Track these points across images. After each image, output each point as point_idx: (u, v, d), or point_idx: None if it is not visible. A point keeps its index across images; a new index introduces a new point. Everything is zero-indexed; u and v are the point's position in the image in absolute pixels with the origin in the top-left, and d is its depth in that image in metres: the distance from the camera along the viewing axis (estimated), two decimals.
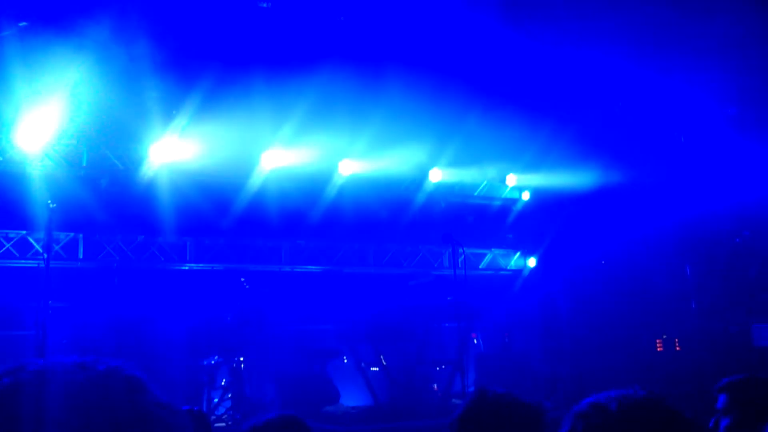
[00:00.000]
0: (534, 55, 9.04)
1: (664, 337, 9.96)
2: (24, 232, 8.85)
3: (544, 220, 11.49)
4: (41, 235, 8.56)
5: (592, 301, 10.35)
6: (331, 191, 10.35)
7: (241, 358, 8.18)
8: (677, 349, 9.83)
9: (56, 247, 8.96)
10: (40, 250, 8.76)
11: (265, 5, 8.20)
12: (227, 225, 9.63)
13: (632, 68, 9.24)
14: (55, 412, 0.80)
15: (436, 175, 11.11)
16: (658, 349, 9.96)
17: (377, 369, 9.08)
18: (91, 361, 0.89)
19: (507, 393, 2.32)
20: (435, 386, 9.35)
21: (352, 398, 8.96)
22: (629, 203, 10.19)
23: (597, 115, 10.02)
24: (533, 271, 11.76)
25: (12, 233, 8.89)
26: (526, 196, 11.94)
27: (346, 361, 9.36)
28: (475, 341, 10.43)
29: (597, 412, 1.32)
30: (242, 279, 8.86)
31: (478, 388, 2.37)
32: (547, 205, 11.40)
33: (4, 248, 8.87)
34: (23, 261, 8.84)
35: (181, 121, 8.82)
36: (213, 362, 8.12)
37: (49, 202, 6.77)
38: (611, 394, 1.36)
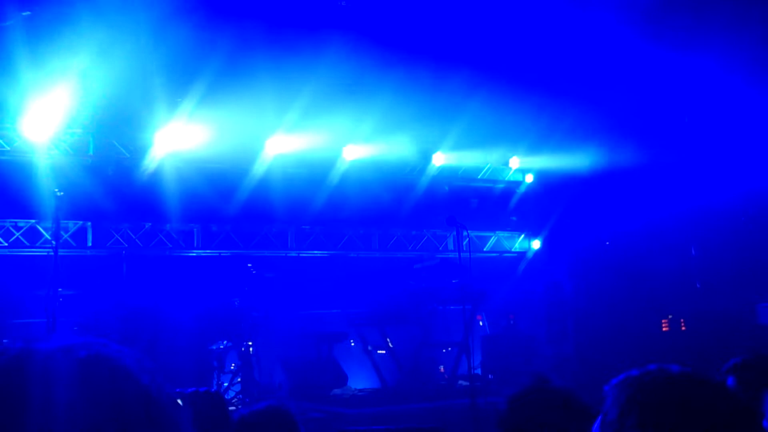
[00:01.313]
0: (535, 35, 9.00)
1: (670, 317, 9.99)
2: (33, 221, 8.94)
3: (548, 202, 11.51)
4: (50, 223, 8.65)
5: (596, 282, 10.40)
6: (336, 176, 10.40)
7: (250, 343, 8.28)
8: (683, 328, 9.87)
9: (65, 236, 9.05)
10: (50, 239, 8.86)
11: None
12: (233, 211, 9.70)
13: (634, 47, 9.19)
14: (32, 399, 0.78)
15: (440, 159, 11.13)
16: (664, 329, 10.01)
17: (384, 352, 9.17)
18: (76, 345, 0.85)
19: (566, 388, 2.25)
20: (441, 368, 9.45)
21: (359, 381, 9.07)
22: (633, 184, 10.19)
23: (600, 96, 9.98)
24: (537, 252, 11.80)
25: (21, 222, 8.98)
26: (529, 178, 11.96)
27: (353, 344, 9.45)
28: (481, 323, 10.52)
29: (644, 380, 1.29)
30: (249, 264, 8.94)
31: (537, 377, 2.30)
32: (550, 187, 11.41)
33: (14, 237, 8.97)
34: (33, 249, 8.94)
35: (185, 108, 8.86)
36: (222, 347, 8.23)
37: (57, 190, 6.84)
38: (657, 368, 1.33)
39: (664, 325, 10.09)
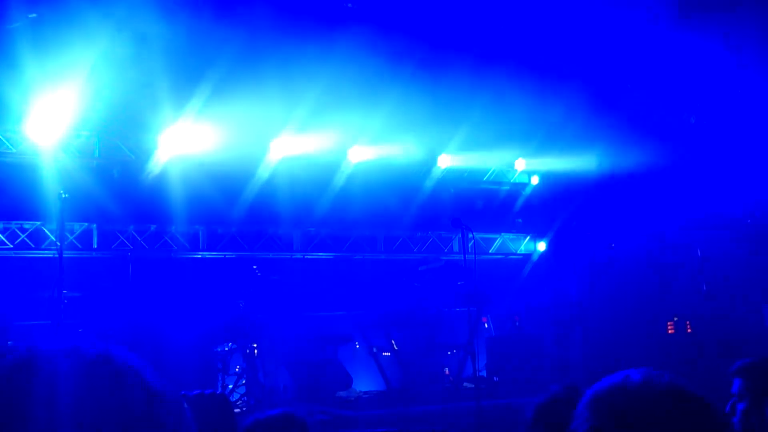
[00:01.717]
0: (541, 37, 8.98)
1: (675, 319, 9.95)
2: (39, 223, 8.96)
3: (554, 204, 11.49)
4: (55, 225, 8.69)
5: (602, 284, 10.36)
6: (341, 178, 10.39)
7: (255, 345, 8.28)
8: (688, 331, 9.82)
9: (70, 238, 9.07)
10: (55, 241, 8.89)
11: None
12: (239, 213, 9.70)
13: (642, 47, 9.16)
14: (37, 399, 0.78)
15: (445, 161, 11.12)
16: (669, 332, 9.96)
17: (389, 354, 9.16)
18: (82, 347, 0.85)
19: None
20: (446, 370, 9.43)
21: (364, 383, 9.06)
22: (639, 186, 10.16)
23: (606, 98, 9.95)
24: (543, 255, 11.77)
25: (27, 224, 9.00)
26: (535, 180, 11.93)
27: (358, 346, 9.44)
28: (486, 325, 10.49)
29: (620, 394, 1.25)
30: (254, 267, 8.95)
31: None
32: (556, 189, 11.38)
33: (20, 239, 8.99)
34: (38, 252, 8.96)
35: (191, 110, 8.87)
36: (227, 349, 8.23)
37: (61, 192, 6.86)
38: (631, 374, 1.30)
39: (669, 327, 10.04)
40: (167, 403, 0.85)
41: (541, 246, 11.84)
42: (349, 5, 8.63)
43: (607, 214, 10.43)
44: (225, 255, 10.01)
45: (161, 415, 0.84)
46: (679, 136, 10.06)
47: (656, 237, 10.32)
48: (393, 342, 9.11)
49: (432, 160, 11.09)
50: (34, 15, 7.31)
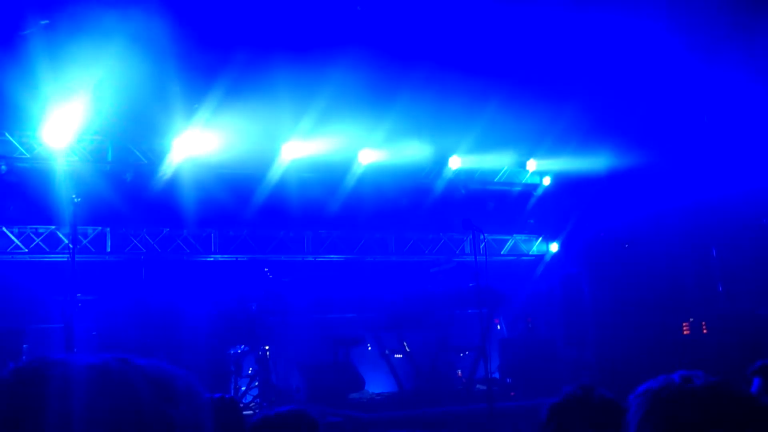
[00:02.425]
0: (551, 39, 8.94)
1: (691, 320, 9.85)
2: (53, 227, 9.04)
3: (566, 205, 11.42)
4: (69, 229, 8.76)
5: (616, 286, 10.28)
6: (352, 180, 10.40)
7: (267, 347, 8.29)
8: (704, 332, 9.72)
9: (84, 241, 9.15)
10: (69, 245, 8.96)
11: None
12: (250, 216, 9.74)
13: (651, 49, 9.10)
14: (55, 412, 0.79)
15: (456, 162, 11.10)
16: (685, 333, 9.86)
17: (401, 356, 9.14)
18: (101, 360, 0.86)
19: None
20: (459, 372, 9.40)
21: (377, 385, 9.04)
22: (652, 186, 10.07)
23: (617, 98, 9.89)
24: (555, 255, 11.71)
25: (41, 228, 9.09)
26: (547, 181, 11.87)
27: (370, 348, 9.44)
28: (498, 327, 10.45)
29: (684, 400, 1.24)
30: (266, 269, 8.97)
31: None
32: (568, 189, 11.32)
33: (34, 243, 9.08)
34: (53, 255, 9.04)
35: (202, 114, 8.93)
36: (239, 351, 8.25)
37: (74, 196, 6.92)
38: (692, 378, 1.28)
39: (685, 328, 9.94)
40: (187, 412, 0.86)
41: (554, 247, 11.78)
42: (359, 7, 8.64)
43: (621, 215, 10.35)
44: (237, 257, 10.05)
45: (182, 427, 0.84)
46: (692, 136, 9.97)
47: (671, 237, 10.23)
48: (405, 344, 9.09)
49: (443, 162, 11.07)
50: (46, 22, 7.38)
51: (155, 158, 9.48)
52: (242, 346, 8.29)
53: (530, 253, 11.94)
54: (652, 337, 9.57)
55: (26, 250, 9.01)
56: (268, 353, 8.29)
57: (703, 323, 9.74)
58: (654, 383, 1.30)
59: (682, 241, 10.19)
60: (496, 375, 9.15)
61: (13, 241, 8.97)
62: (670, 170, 9.95)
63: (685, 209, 9.92)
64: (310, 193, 9.95)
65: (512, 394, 8.79)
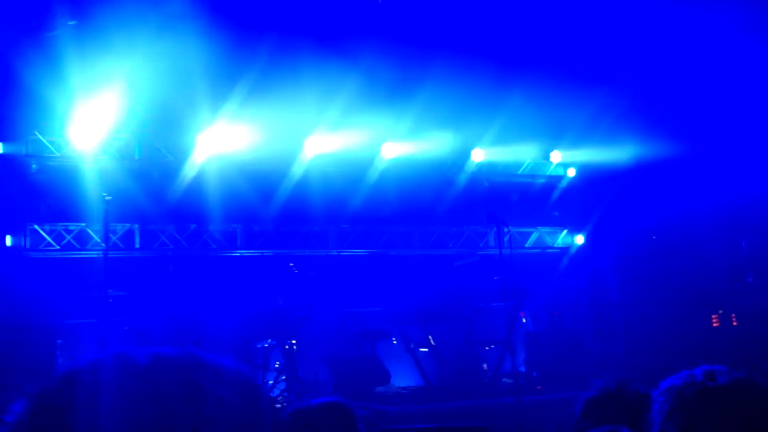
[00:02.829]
0: (574, 27, 8.84)
1: (720, 312, 9.71)
2: (83, 224, 9.21)
3: (591, 196, 11.30)
4: (99, 226, 8.92)
5: (643, 277, 10.17)
6: (374, 174, 10.42)
7: (294, 341, 8.37)
8: (734, 324, 9.58)
9: (114, 238, 9.30)
10: (99, 242, 9.13)
11: None
12: (274, 212, 9.82)
13: (677, 36, 8.94)
14: (111, 405, 0.81)
15: (479, 155, 11.04)
16: (714, 325, 9.73)
17: (426, 350, 9.16)
18: (150, 353, 0.88)
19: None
20: (485, 366, 9.39)
21: (402, 379, 9.08)
22: (679, 176, 9.92)
23: (645, 86, 9.74)
24: (581, 248, 11.60)
25: (72, 225, 9.26)
26: (571, 172, 11.76)
27: (395, 342, 9.47)
28: (524, 320, 10.40)
29: (710, 396, 1.24)
30: (291, 264, 9.04)
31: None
32: (593, 180, 11.20)
33: (65, 240, 9.26)
34: (83, 252, 9.22)
35: (227, 110, 9.01)
36: (266, 345, 8.34)
37: (105, 194, 7.05)
38: (705, 371, 1.28)
39: (714, 320, 9.81)
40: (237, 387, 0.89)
41: (579, 239, 11.67)
42: (380, 1, 8.63)
43: (648, 206, 10.21)
44: (262, 252, 10.14)
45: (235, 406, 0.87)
46: (720, 124, 9.79)
47: (699, 228, 10.08)
48: (430, 337, 9.10)
49: (466, 154, 11.02)
50: (74, 22, 7.51)
51: (181, 155, 9.60)
52: (269, 341, 8.37)
53: (555, 245, 11.84)
54: (681, 329, 9.45)
55: (58, 247, 9.19)
56: (294, 347, 8.37)
57: (733, 315, 9.59)
58: (677, 380, 1.29)
59: (711, 232, 10.03)
60: (522, 369, 9.12)
61: (45, 239, 9.16)
62: (700, 161, 9.79)
63: (715, 200, 9.76)
64: (333, 188, 10.00)
65: (539, 387, 8.74)
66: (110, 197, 7.00)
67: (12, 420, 0.82)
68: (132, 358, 0.86)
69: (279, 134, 9.44)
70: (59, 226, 9.25)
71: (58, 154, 9.19)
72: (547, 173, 11.87)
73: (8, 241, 8.70)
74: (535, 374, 9.09)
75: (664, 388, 1.33)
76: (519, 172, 11.76)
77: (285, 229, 10.32)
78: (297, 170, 9.92)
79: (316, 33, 8.26)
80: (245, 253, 10.14)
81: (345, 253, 10.67)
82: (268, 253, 10.15)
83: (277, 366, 8.47)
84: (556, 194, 11.79)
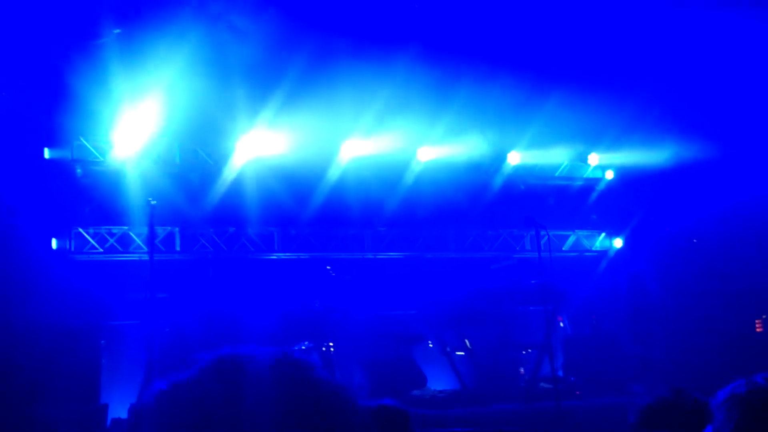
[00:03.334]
0: (613, 31, 8.74)
1: (764, 316, 9.49)
2: (126, 227, 9.43)
3: (630, 199, 11.14)
4: (141, 230, 9.13)
5: (683, 281, 9.99)
6: (410, 178, 10.45)
7: (331, 344, 8.44)
8: None
9: (155, 241, 9.50)
10: (141, 245, 9.34)
11: None
12: (311, 215, 9.91)
13: (721, 32, 8.77)
14: (252, 397, 0.91)
15: (515, 158, 10.98)
16: (757, 330, 9.51)
17: (462, 353, 9.14)
18: (277, 350, 1.00)
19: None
20: (522, 370, 9.33)
21: (438, 382, 9.07)
22: (720, 177, 9.73)
23: (683, 87, 9.58)
24: (620, 251, 11.44)
25: (115, 229, 9.49)
26: (609, 174, 11.61)
27: (431, 345, 9.47)
28: (562, 324, 10.30)
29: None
30: (328, 267, 9.12)
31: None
32: (632, 183, 11.04)
33: (108, 243, 9.49)
34: (126, 255, 9.44)
35: (265, 115, 9.14)
36: (304, 347, 8.42)
37: (150, 199, 7.21)
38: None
39: (757, 325, 9.59)
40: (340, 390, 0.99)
41: (618, 242, 11.52)
42: (416, 4, 8.66)
43: (688, 208, 10.04)
44: (299, 255, 10.25)
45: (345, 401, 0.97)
46: (759, 127, 9.57)
47: (741, 230, 9.86)
48: (466, 341, 9.08)
49: (502, 157, 10.98)
50: (119, 30, 7.71)
51: (220, 160, 9.77)
52: (306, 343, 8.45)
53: (593, 248, 11.71)
54: (723, 334, 9.26)
55: (101, 250, 9.42)
56: (332, 349, 8.43)
57: None
58: (737, 388, 1.28)
59: (752, 236, 9.81)
60: (560, 373, 9.03)
61: (89, 242, 9.40)
62: (739, 162, 9.59)
63: (755, 202, 9.55)
64: (369, 192, 10.05)
65: (577, 392, 8.66)
66: (155, 202, 7.16)
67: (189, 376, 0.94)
68: (255, 357, 0.94)
69: (316, 138, 9.53)
70: (103, 230, 9.49)
71: (102, 159, 9.43)
72: (585, 176, 11.74)
73: (54, 244, 8.94)
74: (573, 379, 9.00)
75: (727, 396, 1.32)
76: (556, 175, 11.65)
77: (321, 232, 10.41)
78: (333, 174, 10.00)
79: (353, 38, 8.32)
80: (282, 256, 10.25)
81: (381, 256, 10.72)
82: (304, 256, 10.25)
83: None
84: (593, 197, 11.65)
